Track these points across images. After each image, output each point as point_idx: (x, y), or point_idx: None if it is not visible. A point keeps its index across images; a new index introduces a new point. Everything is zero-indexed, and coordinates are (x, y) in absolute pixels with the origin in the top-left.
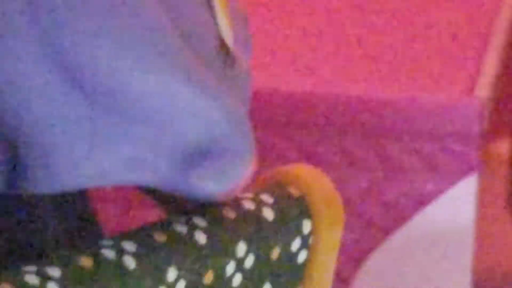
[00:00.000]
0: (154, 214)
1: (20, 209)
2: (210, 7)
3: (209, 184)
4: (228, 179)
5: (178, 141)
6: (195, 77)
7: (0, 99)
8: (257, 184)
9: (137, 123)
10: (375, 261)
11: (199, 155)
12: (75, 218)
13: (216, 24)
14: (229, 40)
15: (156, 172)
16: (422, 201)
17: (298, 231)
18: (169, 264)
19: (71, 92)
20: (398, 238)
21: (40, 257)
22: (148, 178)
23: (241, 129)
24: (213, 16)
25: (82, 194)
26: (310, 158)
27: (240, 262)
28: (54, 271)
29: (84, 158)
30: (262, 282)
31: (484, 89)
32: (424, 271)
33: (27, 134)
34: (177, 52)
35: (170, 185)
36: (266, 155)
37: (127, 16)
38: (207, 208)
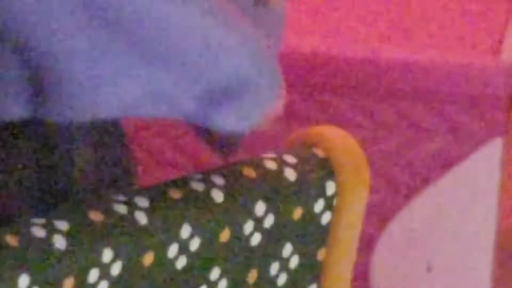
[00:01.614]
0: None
1: (56, 147)
2: None
3: (232, 121)
4: (252, 116)
5: (200, 78)
6: (220, 14)
7: (26, 26)
8: (283, 145)
9: (159, 58)
10: (400, 222)
11: (222, 92)
12: (114, 167)
13: None
14: None
15: (178, 106)
16: (447, 164)
17: (322, 192)
18: (183, 220)
19: (95, 27)
20: (423, 199)
21: (67, 203)
22: (168, 111)
23: (266, 67)
24: None
25: (123, 144)
26: (336, 120)
27: (259, 221)
28: (62, 225)
29: (104, 85)
30: (282, 242)
31: (510, 53)
32: (448, 233)
33: (50, 61)
34: None
35: (193, 118)
36: (292, 117)
37: None
38: (227, 166)
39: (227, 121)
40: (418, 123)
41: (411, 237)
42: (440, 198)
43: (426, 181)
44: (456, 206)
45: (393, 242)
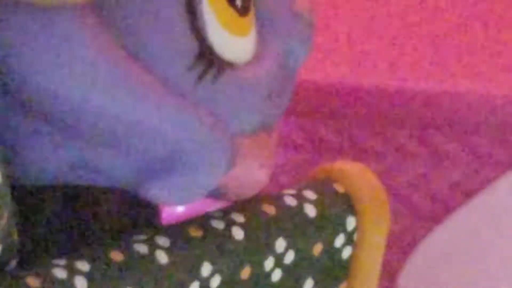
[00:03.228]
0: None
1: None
2: (191, 14)
3: (165, 194)
4: (188, 191)
5: (128, 157)
6: (152, 98)
7: None
8: (303, 181)
9: (81, 138)
10: (423, 251)
11: (155, 168)
12: (138, 207)
13: (197, 33)
14: (228, 48)
15: (112, 177)
16: (470, 192)
17: (342, 227)
18: (203, 259)
19: (33, 118)
20: (446, 228)
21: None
22: (106, 181)
23: (209, 145)
24: (194, 25)
25: None
26: (358, 149)
27: (279, 258)
28: (83, 265)
29: (42, 163)
30: (303, 277)
31: None
32: (472, 261)
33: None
34: (134, 78)
35: (128, 187)
36: (314, 146)
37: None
38: (246, 203)
39: (160, 195)
40: (441, 151)
41: (434, 266)
42: (463, 226)
43: (448, 209)
44: (480, 234)
45: (416, 272)
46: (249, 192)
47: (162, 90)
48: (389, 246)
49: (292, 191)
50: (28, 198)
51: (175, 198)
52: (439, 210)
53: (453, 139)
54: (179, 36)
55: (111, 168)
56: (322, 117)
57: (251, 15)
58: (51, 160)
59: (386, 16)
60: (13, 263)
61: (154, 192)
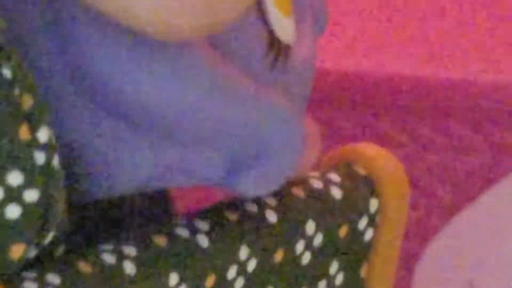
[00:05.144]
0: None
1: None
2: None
3: (253, 187)
4: (274, 181)
5: (216, 152)
6: (244, 94)
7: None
8: (323, 162)
9: (171, 140)
10: (442, 240)
11: (241, 161)
12: (152, 197)
13: (265, 22)
14: (286, 34)
15: (198, 177)
16: (489, 180)
17: (366, 209)
18: (241, 242)
19: (111, 118)
20: (465, 217)
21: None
22: (192, 181)
23: (288, 132)
24: (263, 15)
25: None
26: (377, 137)
27: (309, 240)
28: (131, 250)
29: (128, 170)
30: (330, 260)
31: None
32: (491, 251)
33: (69, 154)
34: (212, 69)
35: (215, 185)
36: (332, 136)
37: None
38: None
39: (248, 187)
40: (460, 139)
41: (453, 255)
42: (482, 215)
43: (468, 198)
44: (499, 223)
45: (435, 260)
46: (299, 174)
47: (248, 82)
48: (407, 235)
49: (317, 174)
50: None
51: (263, 188)
52: (459, 199)
53: (472, 128)
54: (254, 25)
55: (201, 167)
56: (340, 106)
57: None
58: (148, 164)
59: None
60: (61, 248)
61: (243, 185)
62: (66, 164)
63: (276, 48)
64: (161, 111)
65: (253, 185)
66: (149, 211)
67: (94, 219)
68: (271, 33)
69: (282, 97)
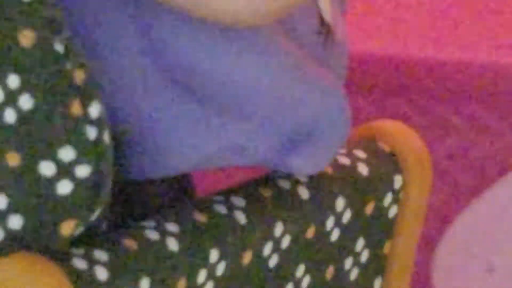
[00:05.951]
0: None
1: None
2: None
3: (307, 165)
4: (325, 158)
5: (276, 130)
6: (291, 64)
7: (110, 96)
8: (348, 139)
9: (238, 119)
10: (461, 223)
11: (296, 140)
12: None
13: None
14: (327, 15)
15: (254, 156)
16: (509, 164)
17: (390, 186)
18: (276, 219)
19: (182, 93)
20: (485, 200)
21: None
22: (246, 161)
23: (337, 110)
24: None
25: None
26: (398, 120)
27: (338, 217)
28: (173, 227)
29: (191, 148)
30: (356, 237)
31: None
32: (510, 234)
33: (137, 130)
34: (277, 47)
35: (267, 165)
36: (356, 119)
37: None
38: None
39: (302, 166)
40: (480, 123)
41: (472, 238)
42: (502, 199)
43: (487, 181)
44: None
45: (454, 243)
46: None
47: (311, 62)
48: (427, 218)
49: (344, 151)
50: None
51: (315, 166)
52: (478, 183)
53: (493, 112)
54: (309, 6)
55: (260, 146)
56: (359, 89)
57: None
58: (213, 143)
59: None
60: (104, 224)
61: (296, 164)
62: (131, 141)
63: (326, 27)
64: (235, 89)
65: (305, 163)
66: (171, 191)
67: (121, 198)
68: (319, 13)
69: (335, 77)
